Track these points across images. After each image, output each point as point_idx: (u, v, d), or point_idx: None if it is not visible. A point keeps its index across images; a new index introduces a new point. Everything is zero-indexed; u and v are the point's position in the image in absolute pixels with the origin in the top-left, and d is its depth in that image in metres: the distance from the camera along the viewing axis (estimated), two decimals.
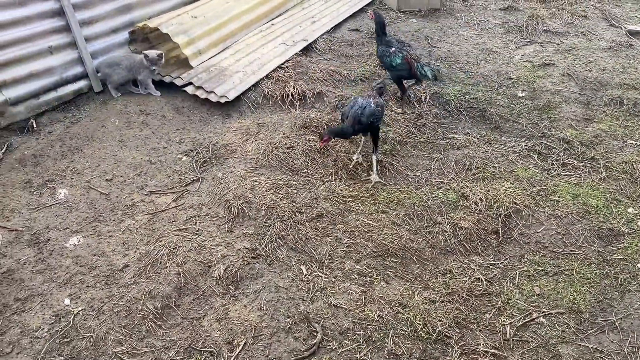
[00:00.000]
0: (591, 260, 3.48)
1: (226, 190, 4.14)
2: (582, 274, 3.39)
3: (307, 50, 6.25)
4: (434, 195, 4.09)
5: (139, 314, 3.18)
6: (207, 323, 3.15)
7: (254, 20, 6.40)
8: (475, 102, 5.24)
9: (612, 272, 3.36)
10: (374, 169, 4.30)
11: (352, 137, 4.42)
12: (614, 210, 3.86)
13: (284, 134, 4.81)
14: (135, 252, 3.63)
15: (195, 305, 3.28)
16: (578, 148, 4.52)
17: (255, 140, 4.76)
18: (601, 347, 2.91)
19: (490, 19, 7.13)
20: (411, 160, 4.53)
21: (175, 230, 3.81)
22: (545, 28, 6.77)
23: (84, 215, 3.97)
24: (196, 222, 3.89)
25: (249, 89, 5.43)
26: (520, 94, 5.37)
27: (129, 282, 3.40)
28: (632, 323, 3.01)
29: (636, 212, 3.85)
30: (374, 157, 4.32)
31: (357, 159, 4.49)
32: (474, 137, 4.78)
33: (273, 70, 5.72)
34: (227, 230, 3.81)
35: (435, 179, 4.29)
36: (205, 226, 3.85)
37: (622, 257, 3.47)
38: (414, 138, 4.80)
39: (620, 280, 3.29)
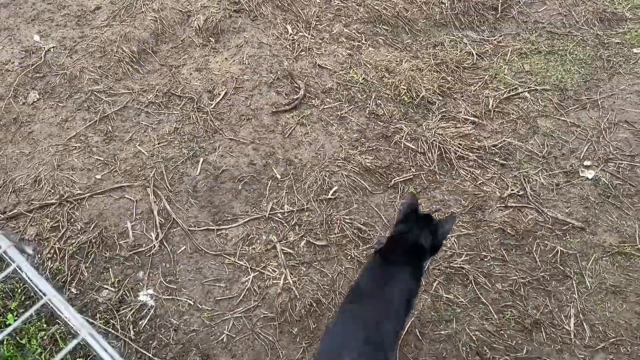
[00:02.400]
0: (587, 43, 3.36)
1: None
2: (575, 54, 3.28)
3: None
4: None
5: (115, 56, 3.03)
6: (186, 71, 3.04)
7: None
8: None
9: (606, 54, 3.26)
10: None
11: None
12: None
13: None
14: None
15: (174, 54, 3.13)
16: None
17: None
18: (579, 122, 2.94)
19: None
20: None
21: None
22: None
23: None
24: None
25: None
26: None
27: (102, 25, 3.18)
28: (614, 102, 3.00)
29: None
30: None
31: None
32: None
33: None
34: None
35: None
36: None
37: (619, 41, 3.34)
38: None
39: (612, 63, 3.21)
